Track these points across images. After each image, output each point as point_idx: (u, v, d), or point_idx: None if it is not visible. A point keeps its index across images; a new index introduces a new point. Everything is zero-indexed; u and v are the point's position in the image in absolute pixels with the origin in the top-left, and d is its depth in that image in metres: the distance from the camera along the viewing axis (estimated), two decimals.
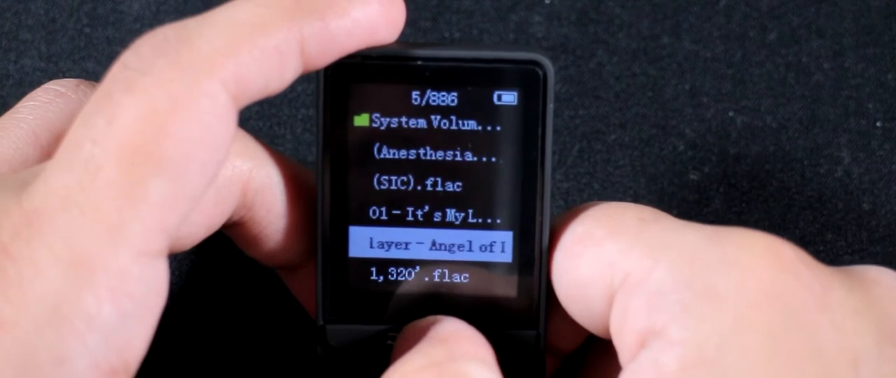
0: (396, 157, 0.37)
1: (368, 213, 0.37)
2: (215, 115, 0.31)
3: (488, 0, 0.48)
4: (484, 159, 0.37)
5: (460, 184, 0.37)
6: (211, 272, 0.41)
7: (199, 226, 0.36)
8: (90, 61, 0.48)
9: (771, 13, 0.48)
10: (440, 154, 0.37)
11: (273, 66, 0.32)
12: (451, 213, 0.37)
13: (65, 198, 0.30)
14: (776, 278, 0.32)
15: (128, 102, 0.30)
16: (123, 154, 0.30)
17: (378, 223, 0.37)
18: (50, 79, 0.47)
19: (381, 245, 0.37)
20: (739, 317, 0.32)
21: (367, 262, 0.37)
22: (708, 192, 0.47)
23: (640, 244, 0.34)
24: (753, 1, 0.49)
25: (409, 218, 0.37)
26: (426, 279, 0.37)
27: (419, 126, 0.36)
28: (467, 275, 0.37)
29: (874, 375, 0.32)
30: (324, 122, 0.36)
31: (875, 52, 0.48)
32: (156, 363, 0.43)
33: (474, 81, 0.36)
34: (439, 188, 0.37)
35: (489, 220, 0.37)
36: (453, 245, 0.37)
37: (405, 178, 0.37)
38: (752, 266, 0.33)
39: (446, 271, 0.37)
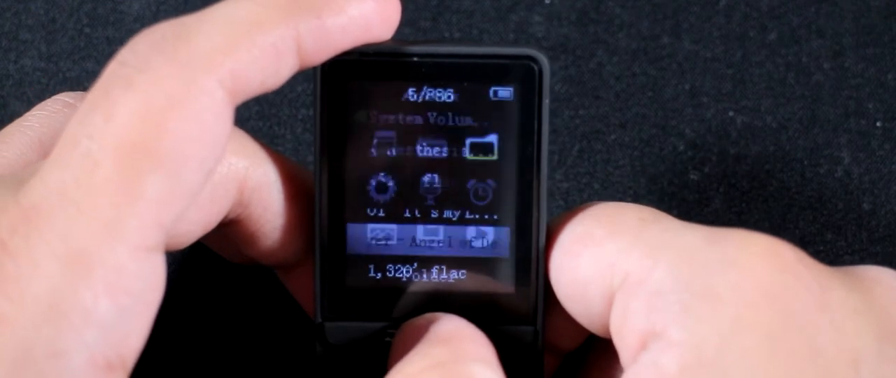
0: (393, 153, 0.37)
1: (366, 209, 0.37)
2: (213, 112, 0.31)
3: (488, 0, 0.48)
4: (481, 155, 0.37)
5: (457, 180, 0.37)
6: (209, 271, 0.41)
7: (195, 224, 0.36)
8: (90, 61, 0.48)
9: (771, 13, 0.48)
10: (437, 150, 0.37)
11: (270, 64, 0.32)
12: (448, 210, 0.37)
13: (62, 195, 0.30)
14: (775, 279, 0.32)
15: (125, 100, 0.31)
16: (121, 151, 0.30)
17: (376, 220, 0.37)
18: (50, 79, 0.47)
19: (379, 242, 0.37)
20: (739, 317, 0.32)
21: (364, 259, 0.37)
22: (708, 192, 0.47)
23: (639, 244, 0.34)
24: (753, 1, 0.48)
25: (407, 214, 0.37)
26: (424, 276, 0.37)
27: (416, 122, 0.36)
28: (465, 271, 0.37)
29: (875, 375, 0.32)
30: (321, 120, 0.36)
31: (875, 52, 0.48)
32: (155, 363, 0.43)
33: (470, 77, 0.36)
34: (436, 184, 0.37)
35: (486, 216, 0.37)
36: (451, 241, 0.37)
37: (402, 175, 0.37)
38: (751, 266, 0.33)
39: (444, 267, 0.37)
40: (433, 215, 0.37)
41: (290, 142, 0.47)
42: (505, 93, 0.36)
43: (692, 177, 0.47)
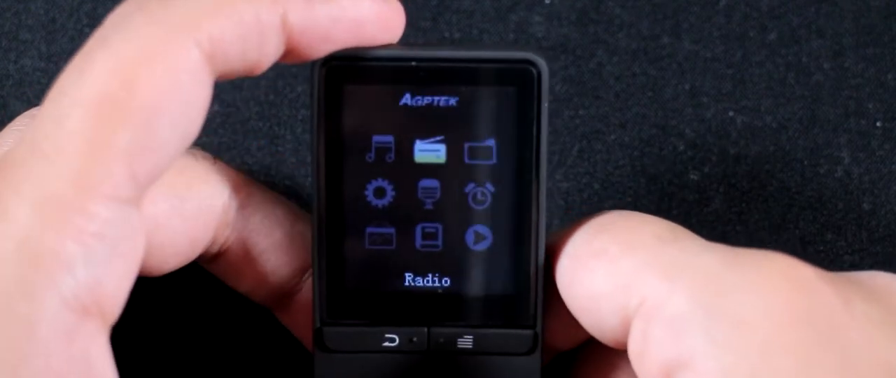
0: (392, 158, 0.37)
1: (365, 214, 0.37)
2: (187, 70, 0.32)
3: (488, 0, 0.48)
4: (480, 159, 0.37)
5: (456, 184, 0.37)
6: (208, 273, 0.41)
7: (172, 254, 0.36)
8: None
9: (771, 13, 0.48)
10: (435, 154, 0.37)
11: (252, 35, 0.33)
12: (447, 213, 0.37)
13: (33, 146, 0.31)
14: (799, 299, 0.32)
15: (100, 56, 0.31)
16: (91, 103, 0.31)
17: (374, 224, 0.37)
18: (50, 79, 0.47)
19: (378, 246, 0.37)
20: (767, 341, 0.31)
21: (363, 264, 0.37)
22: (708, 192, 0.46)
23: (656, 265, 0.34)
24: (753, 1, 0.48)
25: (406, 218, 0.37)
26: (423, 280, 0.37)
27: (414, 126, 0.36)
28: (464, 275, 0.37)
29: None
30: (318, 123, 0.36)
31: (875, 52, 0.48)
32: (155, 364, 0.43)
33: (469, 81, 0.36)
34: (435, 188, 0.37)
35: (485, 220, 0.37)
36: (449, 245, 0.37)
37: (401, 179, 0.37)
38: (773, 288, 0.32)
39: (443, 271, 0.37)
40: (432, 218, 0.37)
41: (290, 142, 0.47)
42: (504, 97, 0.36)
43: (692, 177, 0.47)
